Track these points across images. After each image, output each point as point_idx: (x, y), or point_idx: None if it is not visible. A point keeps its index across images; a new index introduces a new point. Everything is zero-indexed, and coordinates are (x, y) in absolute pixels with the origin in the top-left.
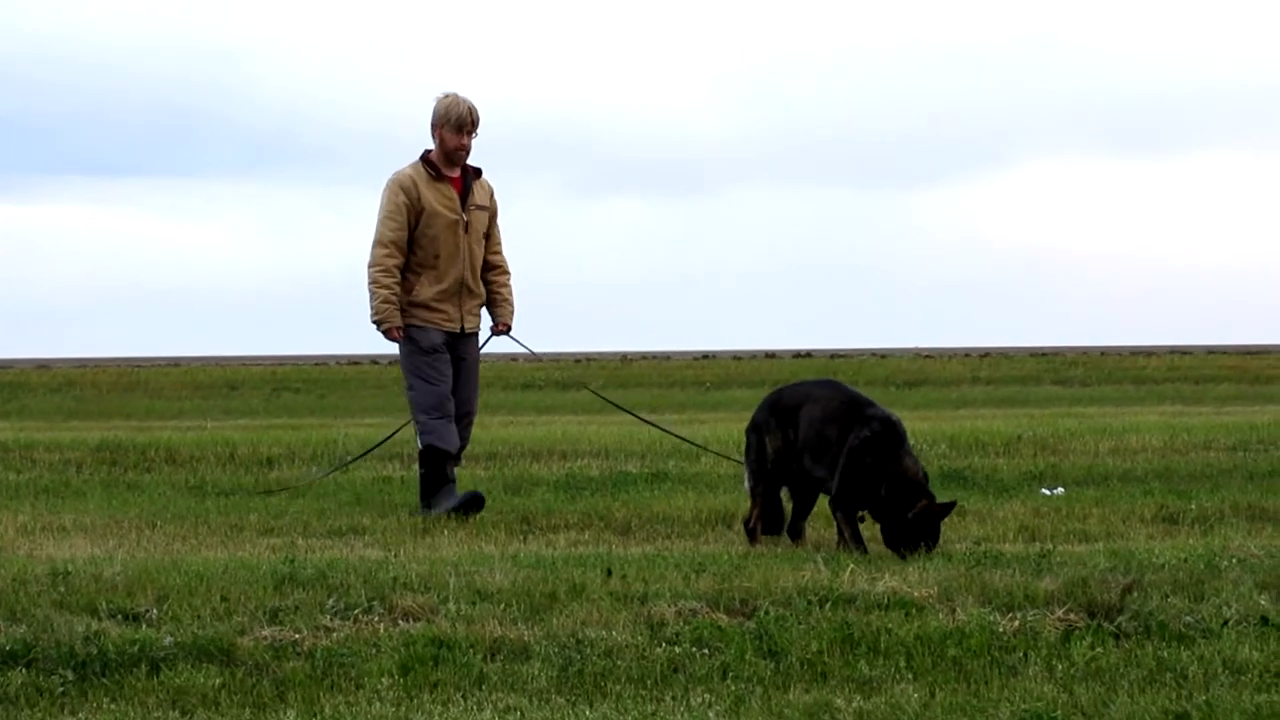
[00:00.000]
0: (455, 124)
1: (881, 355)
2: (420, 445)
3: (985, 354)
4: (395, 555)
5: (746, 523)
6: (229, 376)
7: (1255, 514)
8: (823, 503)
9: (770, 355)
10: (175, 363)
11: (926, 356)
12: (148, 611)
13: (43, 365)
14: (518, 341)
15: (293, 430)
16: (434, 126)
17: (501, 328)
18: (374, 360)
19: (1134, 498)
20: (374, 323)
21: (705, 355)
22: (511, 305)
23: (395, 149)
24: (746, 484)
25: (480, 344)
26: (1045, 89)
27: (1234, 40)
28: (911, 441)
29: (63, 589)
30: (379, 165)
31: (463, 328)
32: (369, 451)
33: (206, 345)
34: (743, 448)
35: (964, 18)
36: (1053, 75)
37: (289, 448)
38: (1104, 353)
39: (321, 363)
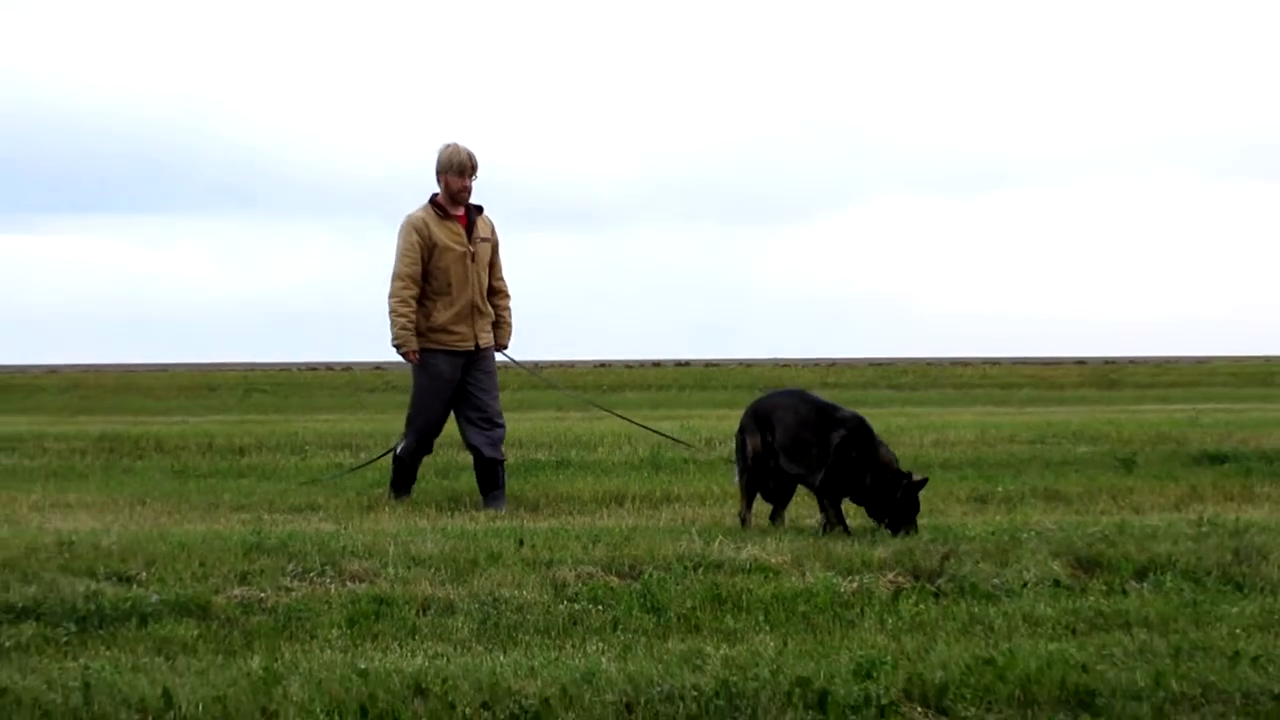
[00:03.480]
0: (458, 169)
1: (747, 365)
2: (398, 452)
3: (832, 363)
4: (344, 528)
5: (740, 515)
6: (208, 380)
7: (1051, 495)
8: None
9: (656, 364)
10: (164, 368)
11: (784, 365)
12: (138, 574)
13: (52, 370)
14: (512, 360)
15: (261, 425)
16: (439, 172)
17: (498, 347)
18: (329, 366)
19: (951, 482)
20: (394, 346)
21: (602, 364)
22: (510, 327)
23: (341, 190)
24: (735, 479)
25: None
26: (881, 143)
27: (1026, 108)
28: None
29: (67, 555)
30: (328, 203)
31: (477, 344)
32: (382, 456)
33: (190, 354)
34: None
35: (813, 84)
36: (887, 131)
37: (258, 439)
38: (929, 363)
39: (285, 368)
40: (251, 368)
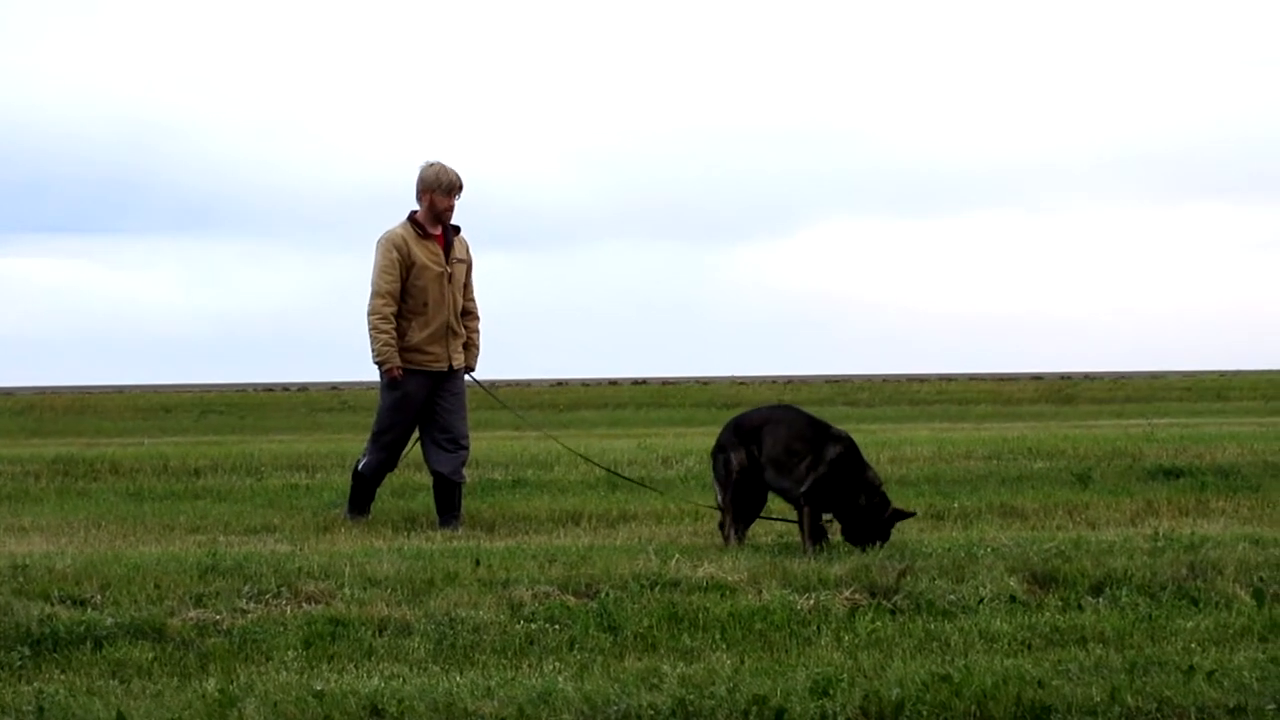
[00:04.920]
0: (445, 188)
1: (704, 382)
2: (359, 467)
3: (789, 381)
4: (300, 549)
5: (721, 526)
6: (164, 401)
7: (1006, 511)
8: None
9: (613, 383)
10: (119, 390)
11: (741, 383)
12: (93, 597)
13: (7, 392)
14: (478, 383)
15: (216, 446)
16: (423, 190)
17: (465, 369)
18: (284, 388)
19: (908, 498)
20: (376, 363)
21: (559, 382)
22: (478, 349)
23: (297, 213)
24: (718, 496)
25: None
26: (834, 165)
27: (981, 127)
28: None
29: (21, 579)
30: (283, 226)
31: (450, 365)
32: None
33: (146, 375)
34: (696, 472)
35: (771, 107)
36: (840, 154)
37: (213, 460)
38: (885, 380)
39: (241, 390)
40: (207, 389)
